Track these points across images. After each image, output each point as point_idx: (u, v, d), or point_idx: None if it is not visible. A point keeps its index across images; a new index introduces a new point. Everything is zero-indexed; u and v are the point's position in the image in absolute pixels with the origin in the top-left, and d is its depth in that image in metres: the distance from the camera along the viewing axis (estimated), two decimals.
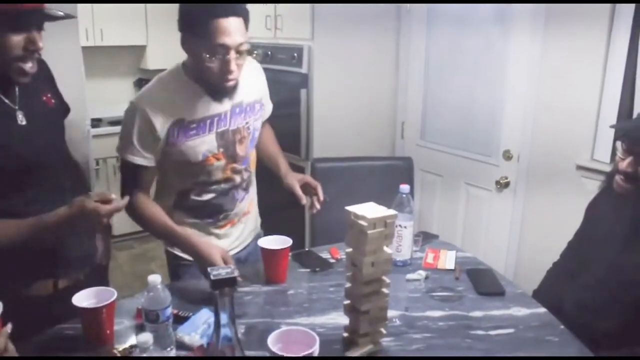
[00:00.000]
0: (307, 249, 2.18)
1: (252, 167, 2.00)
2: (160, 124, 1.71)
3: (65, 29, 3.01)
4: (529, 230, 3.07)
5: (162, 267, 1.99)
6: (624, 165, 1.62)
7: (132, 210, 1.74)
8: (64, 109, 1.72)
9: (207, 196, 1.87)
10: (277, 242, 1.84)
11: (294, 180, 2.05)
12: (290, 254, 1.89)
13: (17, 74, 1.40)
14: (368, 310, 1.43)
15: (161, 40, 4.83)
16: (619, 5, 2.50)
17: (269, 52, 3.71)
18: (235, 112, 1.83)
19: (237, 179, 1.90)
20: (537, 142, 2.93)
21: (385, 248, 1.41)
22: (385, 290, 1.45)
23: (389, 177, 2.66)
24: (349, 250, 1.44)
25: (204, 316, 1.53)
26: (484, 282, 1.85)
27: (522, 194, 3.06)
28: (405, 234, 1.93)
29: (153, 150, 1.73)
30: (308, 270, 1.94)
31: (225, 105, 1.79)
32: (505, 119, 3.08)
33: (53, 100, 1.63)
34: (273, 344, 1.30)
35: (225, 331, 1.09)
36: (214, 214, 1.91)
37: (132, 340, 1.45)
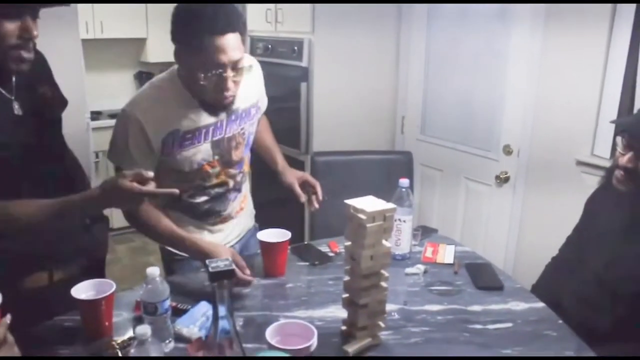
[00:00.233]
0: (306, 243, 2.18)
1: (246, 168, 1.97)
2: (155, 135, 1.65)
3: (65, 21, 3.02)
4: (528, 225, 3.07)
5: (161, 260, 1.99)
6: (624, 160, 1.62)
7: (134, 220, 1.71)
8: (62, 102, 1.70)
9: (201, 198, 1.85)
10: (276, 235, 1.84)
11: (292, 179, 2.04)
12: (289, 247, 1.89)
13: (15, 62, 1.39)
14: (366, 304, 1.43)
15: (161, 33, 4.76)
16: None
17: (270, 46, 3.70)
18: (230, 120, 1.78)
19: (231, 182, 1.89)
20: (537, 137, 2.93)
21: (384, 242, 1.41)
22: (384, 284, 1.45)
23: (389, 171, 2.66)
24: (348, 243, 1.44)
25: (203, 309, 1.53)
26: (482, 277, 1.86)
27: (521, 189, 3.06)
28: (405, 228, 1.93)
29: (148, 159, 1.67)
30: (307, 263, 1.94)
31: (220, 115, 1.75)
32: (506, 114, 3.07)
33: (50, 93, 1.62)
34: (271, 336, 1.31)
35: (223, 324, 1.10)
36: (207, 215, 1.90)
37: (131, 332, 1.45)
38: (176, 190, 1.43)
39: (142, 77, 5.27)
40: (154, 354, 1.19)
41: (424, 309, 1.66)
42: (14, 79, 1.47)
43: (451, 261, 1.97)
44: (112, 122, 4.73)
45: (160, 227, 1.70)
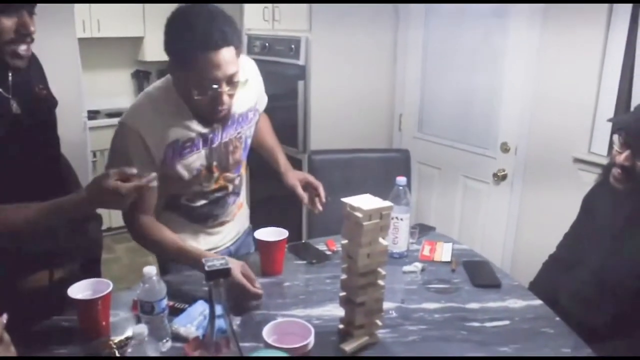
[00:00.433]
0: (303, 241, 2.18)
1: (244, 171, 1.96)
2: (156, 147, 1.62)
3: (61, 20, 3.01)
4: (525, 223, 3.08)
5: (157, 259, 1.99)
6: (621, 158, 1.62)
7: (139, 236, 1.69)
8: (53, 102, 1.70)
9: (199, 202, 1.83)
10: (273, 233, 1.84)
11: (295, 181, 2.02)
12: (286, 245, 1.89)
13: (12, 57, 1.38)
14: (364, 302, 1.43)
15: (158, 31, 4.70)
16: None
17: (267, 44, 3.70)
18: (227, 126, 1.76)
19: (230, 187, 1.87)
20: (534, 134, 2.93)
21: (381, 240, 1.41)
22: (381, 282, 1.45)
23: (386, 169, 2.66)
24: (345, 242, 1.44)
25: (200, 308, 1.53)
26: (480, 275, 1.86)
27: (519, 187, 3.06)
28: (402, 226, 1.93)
29: (151, 170, 1.59)
30: (304, 262, 1.94)
31: (215, 125, 1.73)
32: (503, 111, 3.07)
33: (45, 92, 1.62)
34: (268, 335, 1.31)
35: (220, 323, 1.09)
36: (206, 219, 1.88)
37: (128, 331, 1.45)
38: (153, 175, 1.41)
39: (139, 75, 5.26)
40: (151, 353, 1.18)
41: (421, 307, 1.66)
42: (10, 77, 1.47)
43: (449, 259, 1.97)
44: (110, 121, 4.72)
45: (167, 241, 1.67)
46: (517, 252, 3.14)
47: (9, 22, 1.34)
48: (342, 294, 1.48)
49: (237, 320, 1.51)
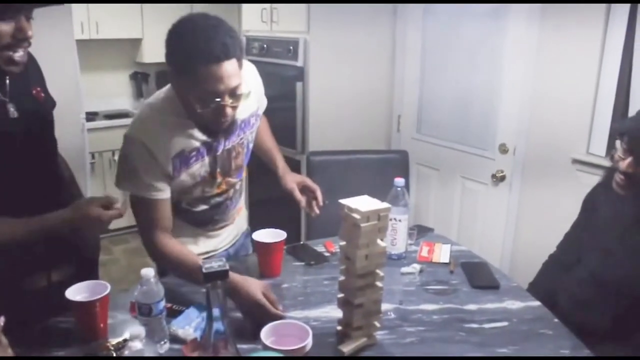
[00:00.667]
0: (301, 243, 2.18)
1: (244, 174, 1.95)
2: (164, 159, 1.59)
3: (59, 22, 3.01)
4: (524, 224, 3.08)
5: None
6: (624, 165, 1.59)
7: (158, 256, 1.65)
8: (52, 104, 1.69)
9: (200, 207, 1.81)
10: (271, 235, 1.84)
11: (292, 184, 2.01)
12: (284, 247, 1.89)
13: (7, 63, 1.37)
14: (362, 304, 1.42)
15: (157, 33, 4.73)
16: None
17: (265, 46, 3.70)
18: (230, 133, 1.74)
19: (231, 191, 1.86)
20: (533, 135, 2.93)
21: (379, 241, 1.41)
22: (379, 283, 1.45)
23: (385, 170, 2.66)
24: (343, 243, 1.43)
25: (198, 310, 1.52)
26: (478, 276, 1.86)
27: (517, 188, 3.06)
28: (400, 228, 1.93)
29: (161, 180, 1.61)
30: (303, 263, 1.94)
31: (219, 135, 1.71)
32: (501, 112, 3.07)
33: (43, 94, 1.61)
34: (266, 337, 1.30)
35: (217, 324, 1.09)
36: (206, 223, 1.87)
37: (126, 333, 1.44)
38: (127, 204, 1.51)
39: (137, 77, 5.26)
40: (148, 355, 1.18)
41: (419, 308, 1.66)
42: (7, 81, 1.47)
43: (447, 260, 1.97)
44: (108, 122, 4.71)
45: (189, 263, 1.59)
46: (516, 253, 3.14)
47: (6, 27, 1.31)
48: (340, 295, 1.48)
49: (235, 322, 1.51)
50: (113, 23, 4.72)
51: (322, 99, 3.49)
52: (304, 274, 1.88)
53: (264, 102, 1.97)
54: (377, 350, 1.46)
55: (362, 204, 1.38)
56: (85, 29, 4.57)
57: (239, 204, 1.97)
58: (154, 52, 4.89)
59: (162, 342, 1.41)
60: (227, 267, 1.10)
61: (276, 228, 1.88)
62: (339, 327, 1.50)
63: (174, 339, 1.44)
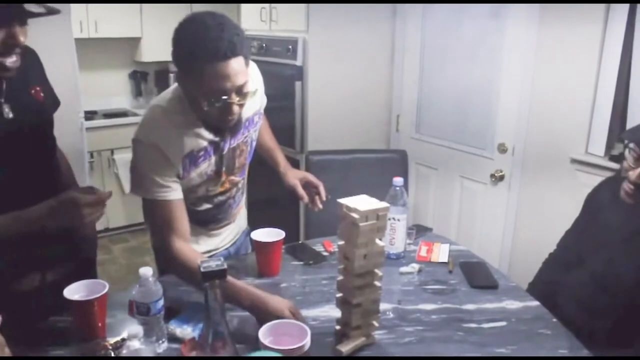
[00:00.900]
0: (300, 242, 2.18)
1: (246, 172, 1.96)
2: (176, 159, 1.59)
3: (58, 20, 3.00)
4: (523, 224, 3.08)
5: (155, 260, 1.99)
6: (635, 175, 1.57)
7: (174, 267, 1.60)
8: (54, 103, 1.68)
9: (204, 207, 1.81)
10: (270, 234, 1.84)
11: (295, 180, 2.02)
12: (283, 246, 1.89)
13: None
14: (360, 303, 1.42)
15: (156, 32, 4.79)
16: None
17: (264, 45, 3.69)
18: (236, 130, 1.74)
19: (234, 190, 1.86)
20: (531, 135, 2.93)
21: (377, 241, 1.41)
22: (377, 283, 1.45)
23: (384, 170, 2.66)
24: (342, 242, 1.43)
25: (196, 309, 1.52)
26: (477, 275, 1.85)
27: (516, 187, 3.06)
28: (399, 227, 1.93)
29: (174, 181, 1.60)
30: (301, 263, 1.94)
31: (225, 133, 1.71)
32: (500, 112, 3.07)
33: (42, 94, 1.60)
34: (264, 336, 1.30)
35: (216, 324, 1.09)
36: (208, 222, 1.87)
37: (124, 333, 1.44)
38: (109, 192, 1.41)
39: (136, 76, 5.25)
40: (146, 354, 1.18)
41: (418, 308, 1.66)
42: (3, 82, 1.45)
43: (446, 260, 1.97)
44: (107, 121, 4.71)
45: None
46: (514, 253, 3.14)
47: None
48: (339, 295, 1.48)
49: (233, 322, 1.51)
50: (112, 22, 4.71)
51: (321, 99, 3.48)
52: (303, 274, 1.88)
53: (264, 101, 1.97)
54: (376, 350, 1.46)
55: (360, 203, 1.38)
56: (84, 27, 4.56)
57: (241, 202, 1.97)
58: (153, 51, 4.89)
59: (160, 342, 1.41)
60: (225, 266, 1.10)
61: (275, 227, 1.88)
62: (338, 327, 1.50)
63: (172, 338, 1.44)
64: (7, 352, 1.11)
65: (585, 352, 1.46)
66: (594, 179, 2.14)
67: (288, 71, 3.49)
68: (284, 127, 3.50)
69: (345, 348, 1.42)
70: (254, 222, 2.16)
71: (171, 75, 4.98)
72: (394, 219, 1.89)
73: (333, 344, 1.45)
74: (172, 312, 1.53)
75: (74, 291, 1.43)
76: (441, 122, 3.48)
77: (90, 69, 4.75)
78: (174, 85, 1.66)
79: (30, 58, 1.49)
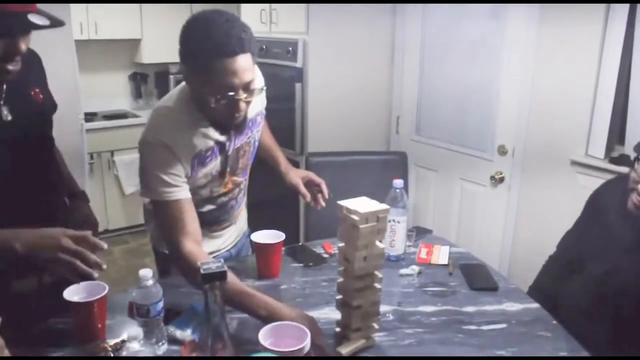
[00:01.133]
0: (300, 244, 2.18)
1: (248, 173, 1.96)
2: (186, 159, 1.58)
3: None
4: (523, 226, 3.08)
5: (155, 262, 1.99)
6: None
7: (185, 269, 1.52)
8: (52, 106, 1.67)
9: (207, 207, 1.81)
10: (270, 236, 1.84)
11: (297, 179, 2.02)
12: (283, 248, 1.89)
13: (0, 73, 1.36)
14: (360, 305, 1.42)
15: (156, 33, 4.79)
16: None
17: (264, 47, 3.69)
18: (242, 129, 1.73)
19: (237, 190, 1.87)
20: (531, 137, 2.93)
21: (377, 243, 1.41)
22: (377, 285, 1.45)
23: (384, 172, 2.66)
24: (342, 244, 1.43)
25: (196, 311, 1.52)
26: (477, 278, 1.85)
27: (516, 189, 3.06)
28: (399, 229, 1.93)
29: (184, 182, 1.59)
30: (301, 264, 1.94)
31: (231, 132, 1.70)
32: (500, 113, 3.08)
33: (42, 95, 1.60)
34: (264, 338, 1.30)
35: (215, 326, 1.09)
36: (211, 224, 1.86)
37: (124, 334, 1.44)
38: (104, 246, 1.34)
39: (136, 78, 5.25)
40: (146, 356, 1.18)
41: (418, 310, 1.66)
42: (4, 86, 1.45)
43: (446, 262, 1.97)
44: (107, 123, 4.70)
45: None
46: (515, 255, 3.14)
47: None
48: (339, 296, 1.48)
49: (233, 324, 1.51)
50: (112, 23, 4.71)
51: (321, 100, 3.49)
52: (303, 275, 1.88)
53: (264, 101, 1.98)
54: (376, 351, 1.46)
55: (360, 205, 1.38)
56: (84, 29, 4.56)
57: (242, 203, 1.97)
58: (153, 52, 4.89)
59: (160, 343, 1.41)
60: (225, 268, 1.10)
61: (275, 229, 1.88)
62: (338, 329, 1.50)
63: (172, 340, 1.44)
64: (6, 354, 1.11)
65: (585, 354, 1.46)
66: (594, 181, 2.14)
67: (288, 73, 3.50)
68: (284, 128, 3.50)
69: (345, 350, 1.42)
70: (254, 223, 2.16)
71: (171, 76, 4.98)
72: (394, 220, 1.89)
73: (333, 345, 1.45)
74: (172, 314, 1.52)
75: (74, 293, 1.43)
76: (441, 124, 3.48)
77: (90, 70, 4.75)
78: (178, 87, 1.66)
79: (31, 59, 1.49)
